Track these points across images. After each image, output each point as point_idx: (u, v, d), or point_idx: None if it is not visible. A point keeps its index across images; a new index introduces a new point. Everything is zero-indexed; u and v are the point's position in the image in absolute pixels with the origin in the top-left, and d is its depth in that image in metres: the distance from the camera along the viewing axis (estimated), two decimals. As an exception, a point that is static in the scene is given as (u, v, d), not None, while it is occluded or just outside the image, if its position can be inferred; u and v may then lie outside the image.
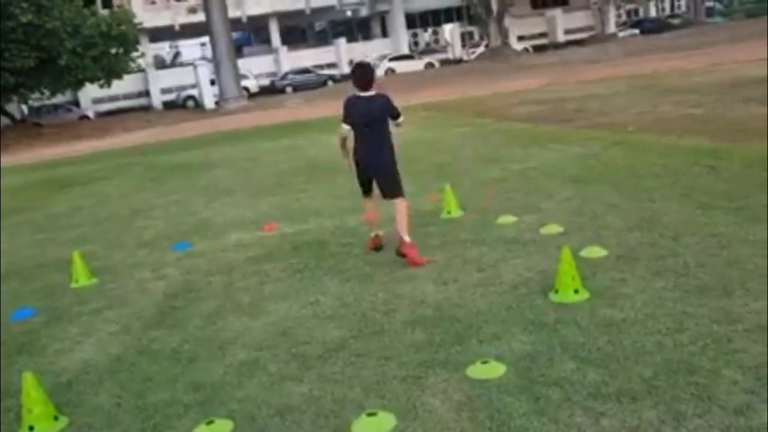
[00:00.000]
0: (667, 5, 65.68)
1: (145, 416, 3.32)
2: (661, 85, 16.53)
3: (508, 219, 6.13)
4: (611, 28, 55.66)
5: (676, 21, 56.28)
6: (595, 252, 4.88)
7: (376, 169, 5.45)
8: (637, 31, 54.26)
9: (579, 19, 57.43)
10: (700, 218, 5.42)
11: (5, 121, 37.03)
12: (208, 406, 3.34)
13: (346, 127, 5.37)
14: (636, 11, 63.15)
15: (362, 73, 5.38)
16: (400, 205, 5.37)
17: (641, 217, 5.67)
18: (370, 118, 5.32)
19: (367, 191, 5.66)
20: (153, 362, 3.97)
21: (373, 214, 5.80)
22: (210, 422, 3.15)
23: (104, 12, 33.53)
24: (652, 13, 62.99)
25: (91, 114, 42.82)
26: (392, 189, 5.40)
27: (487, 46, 50.77)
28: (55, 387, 3.72)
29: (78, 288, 5.81)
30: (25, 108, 41.01)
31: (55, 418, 3.34)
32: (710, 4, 61.54)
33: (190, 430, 3.14)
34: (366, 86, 5.34)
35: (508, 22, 51.05)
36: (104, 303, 5.28)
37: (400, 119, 5.54)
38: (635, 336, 3.52)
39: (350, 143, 5.47)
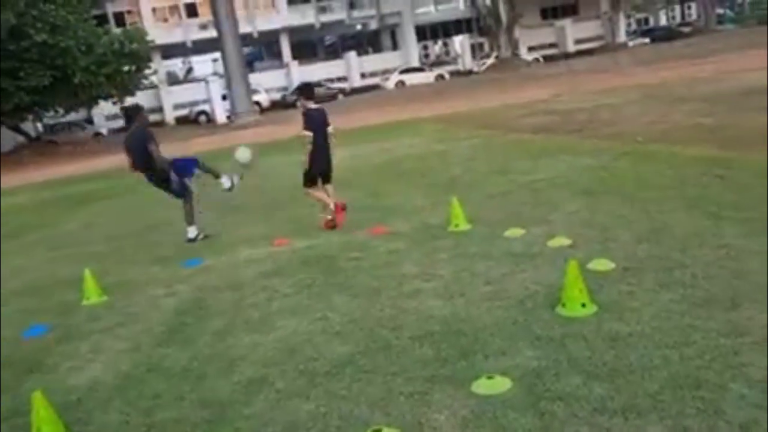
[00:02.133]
0: (677, 13, 65.60)
1: (153, 434, 3.36)
2: (672, 94, 16.48)
3: (516, 232, 6.13)
4: (621, 37, 55.64)
5: (686, 29, 56.13)
6: (602, 265, 4.87)
7: (328, 163, 7.38)
8: (647, 39, 54.17)
9: (589, 28, 57.44)
10: (709, 229, 5.40)
11: (21, 139, 37.54)
12: (215, 424, 3.36)
13: (309, 133, 7.13)
14: (646, 20, 63.13)
15: (309, 90, 7.54)
16: (331, 186, 7.53)
17: (650, 228, 5.66)
18: (323, 125, 7.27)
19: (315, 183, 7.40)
20: (162, 380, 4.00)
21: (330, 199, 7.38)
22: (217, 440, 3.17)
23: (117, 30, 33.98)
24: (662, 21, 62.89)
25: (104, 131, 43.32)
26: (330, 176, 7.52)
27: (497, 57, 50.92)
28: (65, 405, 3.76)
29: (89, 305, 5.87)
30: (40, 126, 41.56)
31: (65, 437, 3.38)
32: (721, 11, 61.33)
33: (197, 448, 3.16)
34: (313, 99, 7.35)
35: (517, 32, 51.23)
36: (115, 320, 5.34)
37: (331, 127, 7.41)
38: (642, 350, 3.51)
39: (309, 146, 7.11)
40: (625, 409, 2.98)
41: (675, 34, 53.17)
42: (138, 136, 7.68)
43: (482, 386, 3.34)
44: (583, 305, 4.11)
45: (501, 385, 3.33)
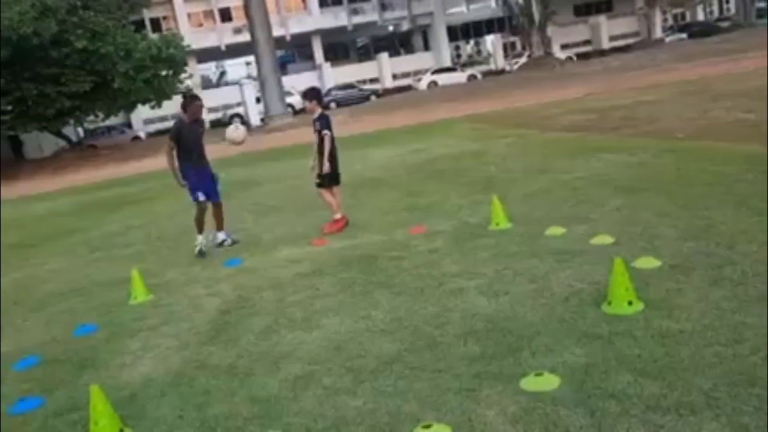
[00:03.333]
0: (715, 8, 64.26)
1: (206, 428, 3.42)
2: (711, 90, 16.17)
3: (557, 230, 6.09)
4: (658, 33, 54.74)
5: (725, 24, 54.96)
6: (648, 262, 4.81)
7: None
8: (684, 35, 53.18)
9: (624, 25, 56.67)
10: (757, 226, 5.28)
11: (63, 143, 38.45)
12: (266, 420, 3.41)
13: (329, 132, 7.38)
14: (683, 15, 61.91)
15: (320, 94, 7.79)
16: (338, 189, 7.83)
17: (695, 225, 5.57)
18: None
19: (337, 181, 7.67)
20: (211, 376, 4.07)
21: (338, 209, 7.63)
22: (268, 435, 3.22)
23: (154, 36, 34.60)
24: (700, 16, 61.64)
25: (142, 135, 44.12)
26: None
27: (529, 55, 50.51)
28: (119, 400, 3.85)
29: (136, 304, 5.99)
30: (81, 130, 42.50)
31: (121, 430, 3.46)
32: (761, 4, 59.84)
33: (249, 443, 3.21)
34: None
35: (550, 30, 50.74)
36: (161, 319, 5.44)
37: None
38: (693, 347, 3.46)
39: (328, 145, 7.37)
40: (679, 406, 2.94)
41: (713, 30, 52.09)
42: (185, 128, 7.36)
43: (531, 383, 3.33)
44: (630, 303, 4.06)
45: (550, 382, 3.31)
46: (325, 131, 7.34)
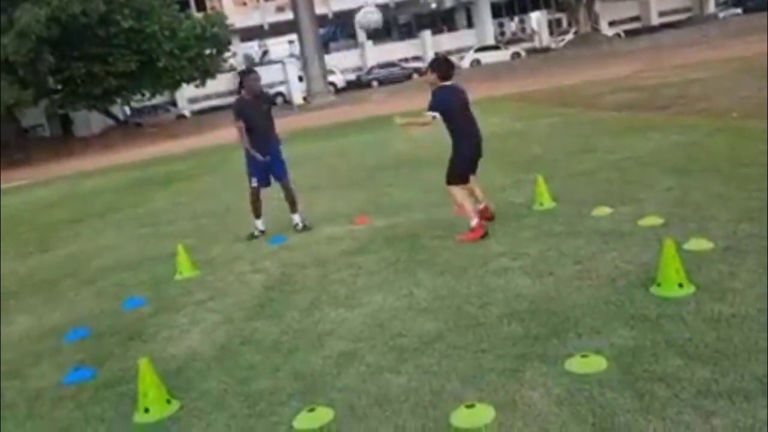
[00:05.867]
0: (772, -19, 61.63)
1: (250, 402, 3.46)
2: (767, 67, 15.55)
3: (603, 210, 5.96)
4: (710, 8, 52.90)
5: (782, -2, 52.70)
6: (699, 244, 4.67)
7: (477, 151, 6.07)
8: (739, 10, 51.27)
9: (674, 0, 54.83)
10: (816, 208, 5.08)
11: (110, 122, 39.30)
12: (309, 395, 3.44)
13: (432, 113, 5.80)
14: (737, -11, 59.57)
15: (443, 65, 5.92)
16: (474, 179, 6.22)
17: (750, 207, 5.38)
18: (461, 106, 5.91)
19: (463, 179, 6.04)
20: (256, 351, 4.12)
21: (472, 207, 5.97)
22: (312, 410, 3.25)
23: (198, 15, 34.92)
24: (756, -10, 59.21)
25: (187, 113, 44.76)
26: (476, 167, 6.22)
27: (576, 33, 49.43)
28: (166, 373, 3.93)
29: (182, 279, 6.10)
30: (127, 109, 43.34)
31: (168, 402, 3.54)
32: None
33: (293, 417, 3.24)
34: (448, 77, 5.87)
35: (598, 6, 49.49)
36: (207, 294, 5.53)
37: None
38: (747, 332, 3.35)
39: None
40: (732, 392, 2.85)
41: (770, 4, 50.06)
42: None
43: (576, 365, 3.28)
44: (680, 285, 3.96)
45: (596, 364, 3.25)
46: (430, 112, 5.80)
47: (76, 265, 7.53)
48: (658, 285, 4.03)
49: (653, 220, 5.43)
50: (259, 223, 7.33)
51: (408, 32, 59.28)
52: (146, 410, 3.48)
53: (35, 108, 33.11)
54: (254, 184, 7.17)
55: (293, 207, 7.38)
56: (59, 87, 32.36)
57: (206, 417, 3.40)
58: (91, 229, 9.91)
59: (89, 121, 40.98)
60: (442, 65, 5.91)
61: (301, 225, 7.33)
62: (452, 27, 57.70)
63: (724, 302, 3.73)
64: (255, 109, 6.99)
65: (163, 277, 6.31)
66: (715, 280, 4.04)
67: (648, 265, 4.40)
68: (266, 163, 7.03)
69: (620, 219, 5.67)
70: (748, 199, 5.59)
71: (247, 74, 7.18)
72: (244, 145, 7.00)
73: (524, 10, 57.18)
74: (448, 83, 5.83)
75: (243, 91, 7.03)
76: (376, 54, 49.52)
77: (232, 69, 40.93)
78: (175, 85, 36.65)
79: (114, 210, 11.33)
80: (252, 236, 7.28)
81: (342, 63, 47.97)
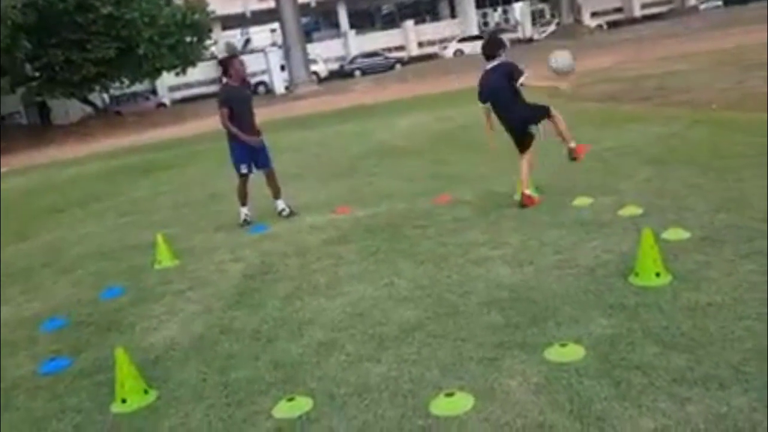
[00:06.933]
0: (752, -26, 62.14)
1: (229, 392, 3.45)
2: (747, 60, 15.69)
3: (584, 201, 6.00)
4: (692, 0, 53.24)
5: (762, -9, 53.20)
6: (677, 234, 4.72)
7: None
8: (720, 2, 51.71)
9: (656, -8, 55.14)
10: (792, 199, 5.15)
11: (89, 109, 38.77)
12: (289, 384, 3.43)
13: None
14: (718, -18, 60.01)
15: (492, 45, 6.32)
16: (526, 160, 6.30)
17: (727, 197, 5.44)
18: (506, 82, 6.12)
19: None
20: (235, 341, 4.10)
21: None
22: (291, 399, 3.24)
23: (179, 1, 34.47)
24: (736, -17, 59.71)
25: (167, 101, 44.27)
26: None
27: (558, 24, 49.56)
28: (144, 362, 3.90)
29: (161, 269, 6.05)
30: (106, 97, 42.75)
31: (145, 392, 3.51)
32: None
33: (272, 407, 3.23)
34: (494, 56, 6.19)
35: (580, -2, 49.58)
36: (186, 284, 5.48)
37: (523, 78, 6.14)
38: (722, 321, 3.39)
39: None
40: (706, 379, 2.89)
41: (750, -3, 50.52)
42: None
43: (555, 353, 3.30)
44: (658, 275, 4.00)
45: (574, 352, 3.28)
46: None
47: (54, 254, 7.44)
48: (636, 274, 4.07)
49: (632, 210, 5.47)
50: (246, 210, 7.29)
51: (391, 22, 59.08)
52: (123, 400, 3.44)
53: (12, 95, 32.58)
54: (244, 170, 7.12)
55: (277, 193, 7.36)
56: (36, 74, 31.82)
57: (184, 407, 3.38)
58: (71, 217, 9.79)
59: (67, 109, 40.39)
60: (492, 45, 6.28)
61: (287, 210, 7.32)
62: (435, 17, 57.59)
63: (701, 291, 3.77)
64: (241, 96, 6.95)
65: (142, 266, 6.25)
66: (692, 270, 4.09)
67: (627, 254, 4.44)
68: (255, 149, 6.99)
69: (600, 209, 5.71)
70: (726, 190, 5.66)
71: (231, 59, 7.10)
72: (231, 132, 6.90)
73: (508, 1, 57.21)
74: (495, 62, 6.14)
75: (228, 78, 6.96)
76: (359, 43, 49.32)
77: (213, 57, 40.55)
78: (155, 73, 36.14)
79: (94, 199, 11.19)
80: (245, 222, 7.23)
81: (325, 52, 47.71)
